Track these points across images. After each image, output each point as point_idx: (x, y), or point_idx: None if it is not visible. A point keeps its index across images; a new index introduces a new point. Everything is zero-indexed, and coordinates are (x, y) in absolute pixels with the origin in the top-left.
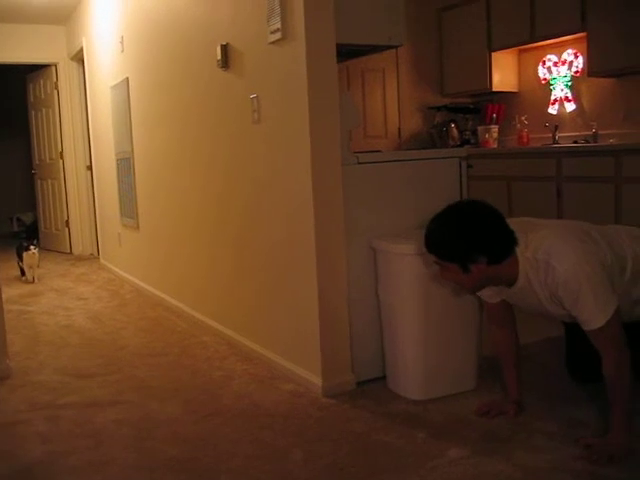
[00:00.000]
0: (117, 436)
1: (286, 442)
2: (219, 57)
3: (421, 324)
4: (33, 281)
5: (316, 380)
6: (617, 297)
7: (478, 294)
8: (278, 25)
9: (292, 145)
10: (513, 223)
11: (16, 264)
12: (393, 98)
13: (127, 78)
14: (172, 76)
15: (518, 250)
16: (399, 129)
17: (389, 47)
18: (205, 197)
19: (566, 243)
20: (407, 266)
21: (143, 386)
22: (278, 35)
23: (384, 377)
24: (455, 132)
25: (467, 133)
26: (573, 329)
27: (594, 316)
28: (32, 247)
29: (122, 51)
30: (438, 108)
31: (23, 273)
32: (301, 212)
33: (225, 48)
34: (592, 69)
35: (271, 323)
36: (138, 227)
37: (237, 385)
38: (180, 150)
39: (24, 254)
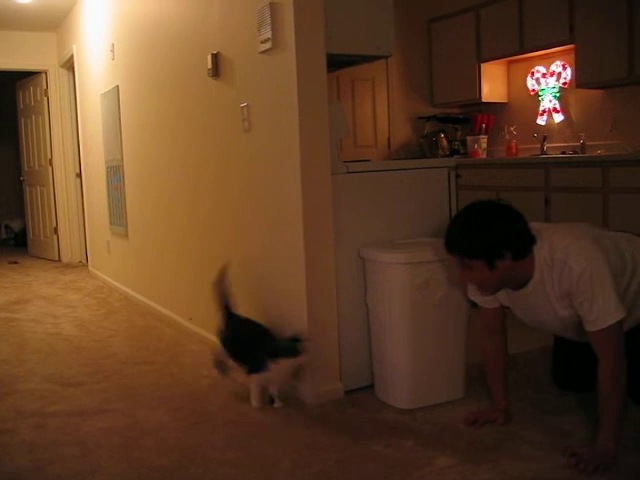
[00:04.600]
0: (104, 444)
1: (274, 451)
2: (210, 66)
3: (409, 333)
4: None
5: (305, 389)
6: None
7: (474, 299)
8: (268, 35)
9: (282, 154)
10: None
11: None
12: (383, 108)
13: (117, 86)
14: (163, 84)
15: (535, 249)
16: (389, 139)
17: (379, 57)
18: (194, 205)
19: (583, 245)
20: (395, 275)
21: (131, 394)
22: (268, 45)
23: (372, 386)
24: (444, 142)
25: (456, 143)
26: (562, 339)
27: (602, 315)
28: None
29: (113, 59)
30: (428, 118)
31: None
32: (290, 221)
33: (216, 57)
34: (580, 81)
35: None
36: (127, 235)
37: (225, 393)
38: (170, 158)
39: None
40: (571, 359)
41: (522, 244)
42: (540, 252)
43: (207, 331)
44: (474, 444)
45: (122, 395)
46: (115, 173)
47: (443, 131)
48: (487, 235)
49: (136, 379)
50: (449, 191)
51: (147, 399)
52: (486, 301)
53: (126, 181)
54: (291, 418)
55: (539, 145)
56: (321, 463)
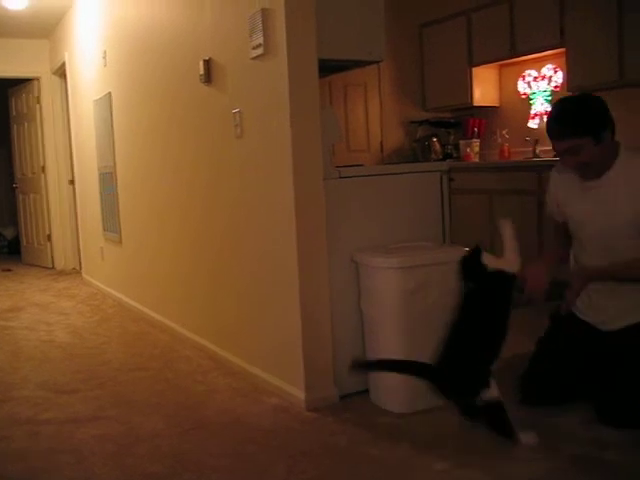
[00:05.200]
0: (98, 452)
1: (269, 456)
2: (202, 72)
3: (403, 337)
4: None
5: (299, 394)
6: None
7: (551, 208)
8: (260, 41)
9: (274, 159)
10: None
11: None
12: (375, 112)
13: (110, 93)
14: (155, 90)
15: (619, 146)
16: (381, 143)
17: (370, 62)
18: (187, 211)
19: None
20: (389, 279)
21: (125, 401)
22: (260, 50)
23: (367, 390)
24: (437, 146)
25: (449, 147)
26: (545, 349)
27: None
28: None
29: (105, 66)
30: (420, 122)
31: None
32: (283, 226)
33: (208, 63)
34: (571, 84)
35: (254, 337)
36: (121, 241)
37: (220, 399)
38: (163, 164)
39: None
40: (548, 368)
41: (612, 117)
42: (621, 148)
43: (201, 337)
44: (469, 447)
45: (116, 402)
46: (108, 179)
47: (435, 135)
48: (589, 112)
49: (130, 386)
50: (442, 195)
51: (141, 406)
52: (557, 213)
53: (119, 187)
54: (286, 424)
55: (531, 148)
56: (316, 469)
